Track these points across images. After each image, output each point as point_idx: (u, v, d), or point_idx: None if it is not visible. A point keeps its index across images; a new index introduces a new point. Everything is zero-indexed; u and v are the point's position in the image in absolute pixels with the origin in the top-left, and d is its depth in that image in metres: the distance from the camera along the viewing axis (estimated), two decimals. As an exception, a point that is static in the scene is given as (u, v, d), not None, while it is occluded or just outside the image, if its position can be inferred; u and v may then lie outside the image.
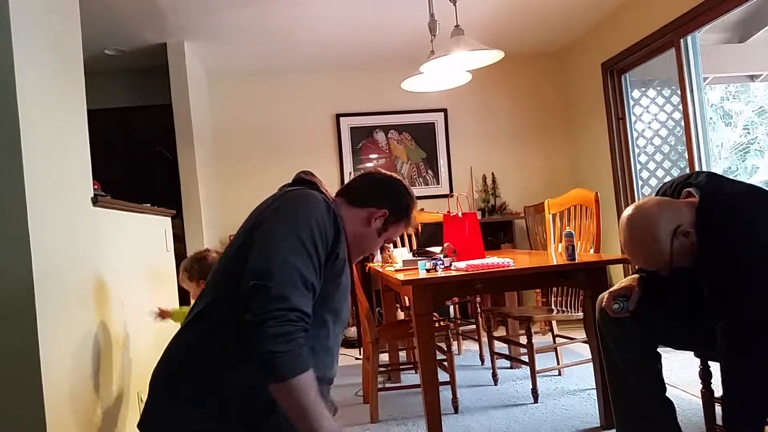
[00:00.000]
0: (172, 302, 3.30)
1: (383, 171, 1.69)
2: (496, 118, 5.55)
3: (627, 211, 1.83)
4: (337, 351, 1.50)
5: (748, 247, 1.66)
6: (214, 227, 4.83)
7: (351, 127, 5.39)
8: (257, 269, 1.26)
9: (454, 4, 3.20)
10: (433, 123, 5.49)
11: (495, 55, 3.19)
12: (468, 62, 3.31)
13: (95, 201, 2.29)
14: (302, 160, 5.29)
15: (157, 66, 4.66)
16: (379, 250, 3.41)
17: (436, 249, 3.34)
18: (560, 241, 3.59)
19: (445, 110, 5.45)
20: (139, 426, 1.41)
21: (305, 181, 1.56)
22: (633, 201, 4.81)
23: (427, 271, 2.75)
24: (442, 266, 2.78)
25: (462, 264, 2.70)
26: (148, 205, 3.03)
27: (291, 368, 1.19)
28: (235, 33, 4.40)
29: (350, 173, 5.34)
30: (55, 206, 1.93)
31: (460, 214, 3.15)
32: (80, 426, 1.97)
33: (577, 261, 2.69)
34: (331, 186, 5.33)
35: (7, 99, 1.72)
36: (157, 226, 3.17)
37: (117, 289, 2.47)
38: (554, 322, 3.78)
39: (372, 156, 5.44)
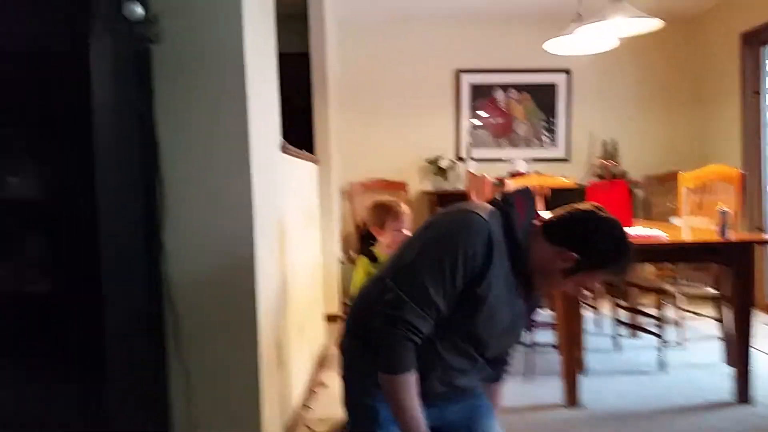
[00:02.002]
0: (316, 243, 3.53)
1: (600, 213, 1.51)
2: (622, 82, 5.42)
3: None
4: (465, 369, 1.57)
5: None
6: (338, 176, 5.03)
7: (471, 84, 5.41)
8: (398, 284, 1.45)
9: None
10: (555, 84, 5.43)
11: (653, 24, 3.15)
12: (623, 29, 3.27)
13: (282, 147, 2.48)
14: (420, 114, 5.38)
15: (293, 15, 4.78)
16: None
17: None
18: (694, 215, 3.57)
19: (568, 71, 5.37)
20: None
21: (500, 205, 1.54)
22: (760, 180, 4.66)
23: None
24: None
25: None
26: (305, 152, 3.22)
27: (389, 367, 1.42)
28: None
29: (467, 132, 5.39)
30: (263, 153, 2.11)
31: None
32: (271, 345, 2.21)
33: (729, 239, 2.70)
34: (445, 143, 5.28)
35: (237, 45, 1.88)
36: (309, 172, 3.37)
37: (291, 229, 2.69)
38: (678, 295, 3.79)
39: (489, 114, 5.45)
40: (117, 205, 1.65)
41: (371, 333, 1.49)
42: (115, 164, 1.65)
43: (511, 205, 1.52)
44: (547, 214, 1.57)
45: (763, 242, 2.74)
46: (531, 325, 1.71)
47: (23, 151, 1.61)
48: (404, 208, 2.56)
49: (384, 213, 2.56)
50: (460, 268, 1.42)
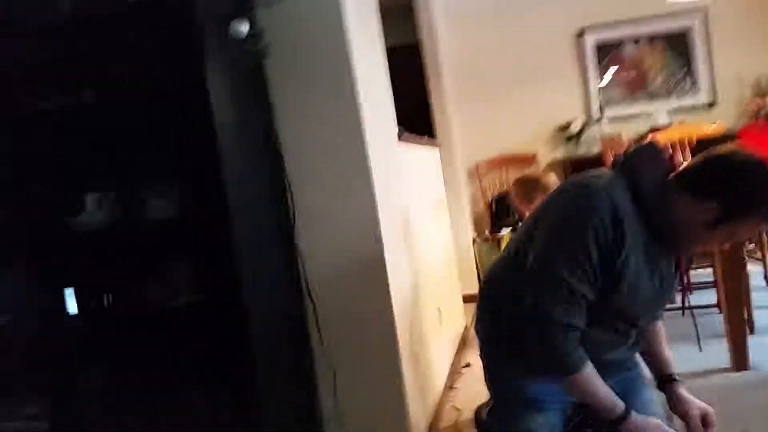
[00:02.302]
0: (446, 226, 3.54)
1: (739, 153, 1.37)
2: (766, 14, 4.80)
3: None
4: (616, 343, 1.48)
5: None
6: (462, 157, 4.98)
7: (595, 43, 5.09)
8: (534, 283, 1.38)
9: None
10: (690, 26, 4.94)
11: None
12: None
13: (400, 136, 2.51)
14: (544, 83, 5.15)
15: (400, 6, 4.79)
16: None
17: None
18: None
19: (705, 9, 4.86)
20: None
21: (622, 169, 1.41)
22: None
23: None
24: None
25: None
26: (426, 137, 3.23)
27: (562, 370, 1.38)
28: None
29: (597, 92, 5.09)
30: (380, 147, 2.14)
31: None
32: (410, 334, 2.25)
33: None
34: (574, 108, 5.06)
35: (343, 47, 1.92)
36: (431, 157, 3.38)
37: (418, 215, 2.71)
38: None
39: (619, 70, 5.09)
40: (249, 216, 1.76)
41: (523, 337, 1.41)
42: (243, 177, 1.77)
43: (633, 167, 1.40)
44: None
45: None
46: (682, 286, 1.57)
47: (162, 175, 1.77)
48: (552, 178, 2.46)
49: (531, 187, 2.44)
50: (594, 251, 1.32)
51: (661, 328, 1.64)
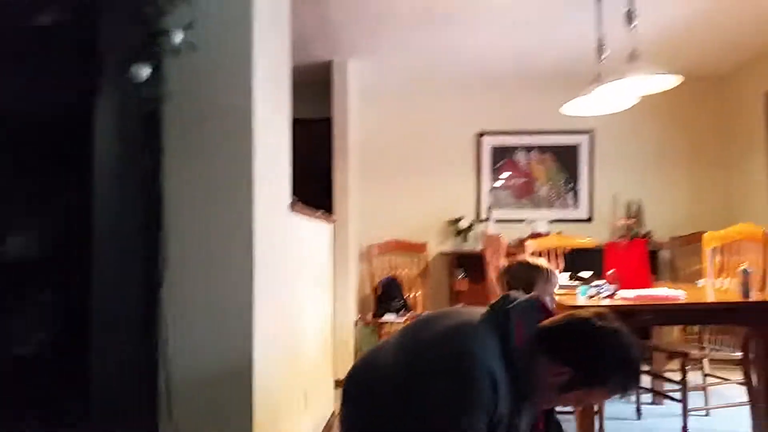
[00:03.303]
0: (327, 304, 3.50)
1: (599, 323, 1.43)
2: (645, 143, 5.39)
3: None
4: None
5: None
6: (356, 237, 5.04)
7: (492, 146, 5.44)
8: None
9: (631, 25, 3.16)
10: (578, 145, 5.42)
11: (673, 80, 3.13)
12: (642, 87, 3.26)
13: (291, 206, 2.50)
14: (442, 177, 5.41)
15: (317, 81, 4.94)
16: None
17: (585, 274, 3.32)
18: (720, 277, 3.45)
19: (591, 132, 5.38)
20: None
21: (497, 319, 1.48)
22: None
23: (590, 297, 2.75)
24: (606, 294, 2.77)
25: (630, 293, 2.67)
26: (319, 211, 3.25)
27: None
28: (395, 50, 4.60)
29: (488, 192, 5.39)
30: (268, 212, 2.12)
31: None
32: (267, 412, 2.16)
33: (751, 299, 2.59)
34: (466, 204, 5.31)
35: (246, 108, 1.92)
36: (323, 232, 3.39)
37: (299, 288, 2.67)
38: (705, 361, 3.62)
39: (511, 176, 5.45)
40: (114, 265, 1.66)
41: None
42: (115, 224, 1.68)
43: (507, 322, 1.45)
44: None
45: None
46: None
47: (24, 208, 1.65)
48: (555, 271, 2.37)
49: (535, 273, 2.33)
50: (478, 425, 1.37)
51: None
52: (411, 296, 5.05)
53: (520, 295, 1.55)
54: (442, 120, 5.43)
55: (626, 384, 1.44)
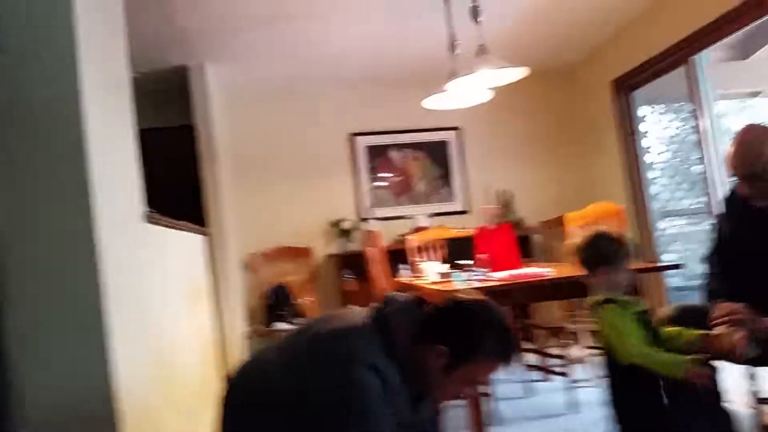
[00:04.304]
0: (206, 320, 3.35)
1: (471, 299, 1.50)
2: (509, 134, 5.66)
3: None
4: None
5: None
6: (237, 246, 4.88)
7: (367, 146, 5.48)
8: None
9: (476, 21, 3.29)
10: (447, 141, 5.59)
11: (520, 72, 3.30)
12: (492, 80, 3.40)
13: (147, 218, 2.36)
14: (320, 179, 5.37)
15: (175, 87, 4.74)
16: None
17: (463, 263, 3.41)
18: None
19: (458, 128, 5.56)
20: None
21: (380, 323, 1.47)
22: (646, 215, 4.90)
23: (464, 282, 2.81)
24: (478, 277, 2.85)
25: (501, 275, 2.76)
26: (187, 222, 3.10)
27: None
28: (254, 53, 4.51)
29: (367, 192, 5.42)
30: (116, 225, 1.98)
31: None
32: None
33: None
34: (347, 205, 5.31)
35: (76, 119, 1.77)
36: (193, 243, 3.24)
37: (169, 304, 2.52)
38: (583, 333, 3.83)
39: (387, 174, 5.52)
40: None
41: None
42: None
43: (389, 323, 1.46)
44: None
45: (650, 270, 2.82)
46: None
47: None
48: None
49: (615, 247, 2.01)
50: (383, 420, 1.35)
51: None
52: (302, 302, 4.96)
53: (401, 296, 1.56)
54: (313, 122, 5.40)
55: (504, 349, 1.46)
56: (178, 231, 2.86)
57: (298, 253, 5.17)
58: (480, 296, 1.54)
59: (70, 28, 1.76)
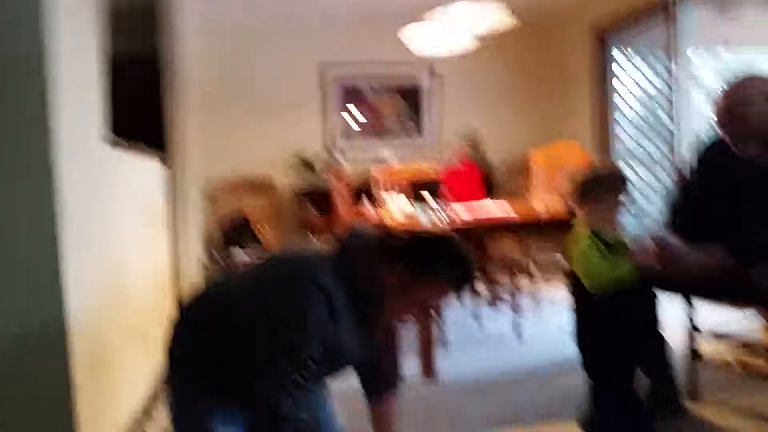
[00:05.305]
0: (163, 247, 3.31)
1: (435, 231, 1.60)
2: (484, 77, 5.61)
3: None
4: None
5: None
6: (198, 177, 4.79)
7: (339, 80, 5.37)
8: (265, 376, 1.41)
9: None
10: (421, 80, 5.52)
11: (502, 13, 3.21)
12: (475, 23, 3.31)
13: (107, 141, 2.28)
14: (286, 111, 5.26)
15: (144, 12, 4.50)
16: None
17: (429, 199, 3.42)
18: (547, 192, 3.72)
19: (432, 67, 5.47)
20: None
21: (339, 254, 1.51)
22: (609, 159, 4.96)
23: (430, 217, 2.84)
24: (444, 214, 2.88)
25: (466, 210, 2.79)
26: (148, 148, 3.01)
27: None
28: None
29: (337, 127, 5.35)
30: (76, 146, 1.90)
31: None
32: (98, 353, 2.01)
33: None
34: (314, 140, 5.25)
35: (36, 37, 1.66)
36: (152, 170, 3.16)
37: (127, 230, 2.48)
38: (533, 267, 3.94)
39: (358, 111, 5.44)
40: None
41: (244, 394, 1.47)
42: None
43: (348, 248, 1.51)
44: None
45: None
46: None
47: None
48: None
49: (610, 182, 2.03)
50: (314, 346, 1.40)
51: (394, 405, 1.77)
52: (263, 235, 4.94)
53: (366, 229, 1.60)
54: (284, 54, 5.24)
55: (459, 275, 1.49)
56: (138, 157, 2.78)
57: (262, 186, 5.12)
58: (443, 230, 1.59)
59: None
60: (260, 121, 5.22)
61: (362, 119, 5.44)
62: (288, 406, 1.39)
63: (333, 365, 1.53)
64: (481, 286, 4.02)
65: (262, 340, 1.41)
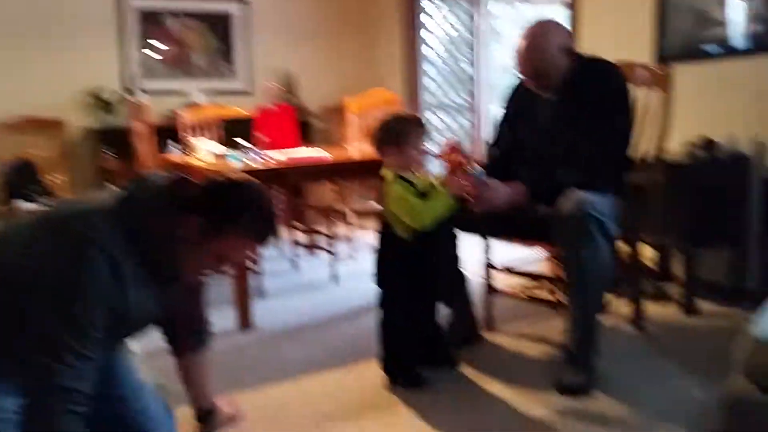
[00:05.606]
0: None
1: (230, 176, 1.46)
2: (297, 15, 5.43)
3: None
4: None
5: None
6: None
7: (137, 10, 4.85)
8: (36, 345, 1.25)
9: None
10: (231, 14, 5.18)
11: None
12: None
13: None
14: (80, 43, 4.66)
15: None
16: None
17: (241, 142, 3.28)
18: (362, 138, 3.77)
19: (244, 2, 5.17)
20: None
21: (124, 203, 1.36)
22: (417, 106, 5.16)
23: (242, 163, 2.72)
24: (256, 158, 2.78)
25: (280, 155, 2.72)
26: None
27: None
28: None
29: (136, 61, 4.86)
30: None
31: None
32: None
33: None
34: (110, 75, 4.79)
35: None
36: None
37: None
38: (349, 213, 4.02)
39: (160, 43, 4.98)
40: None
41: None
42: None
43: (135, 201, 1.36)
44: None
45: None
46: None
47: None
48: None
49: (407, 126, 2.09)
50: (98, 315, 1.26)
51: (203, 360, 1.70)
52: (50, 181, 4.39)
53: (158, 175, 1.45)
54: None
55: (260, 228, 1.41)
56: None
57: (48, 126, 4.52)
58: (246, 177, 1.49)
59: None
60: (45, 52, 4.56)
61: (165, 53, 5.00)
62: (70, 377, 1.24)
63: (128, 328, 1.42)
64: (299, 234, 4.01)
65: (34, 311, 1.24)
